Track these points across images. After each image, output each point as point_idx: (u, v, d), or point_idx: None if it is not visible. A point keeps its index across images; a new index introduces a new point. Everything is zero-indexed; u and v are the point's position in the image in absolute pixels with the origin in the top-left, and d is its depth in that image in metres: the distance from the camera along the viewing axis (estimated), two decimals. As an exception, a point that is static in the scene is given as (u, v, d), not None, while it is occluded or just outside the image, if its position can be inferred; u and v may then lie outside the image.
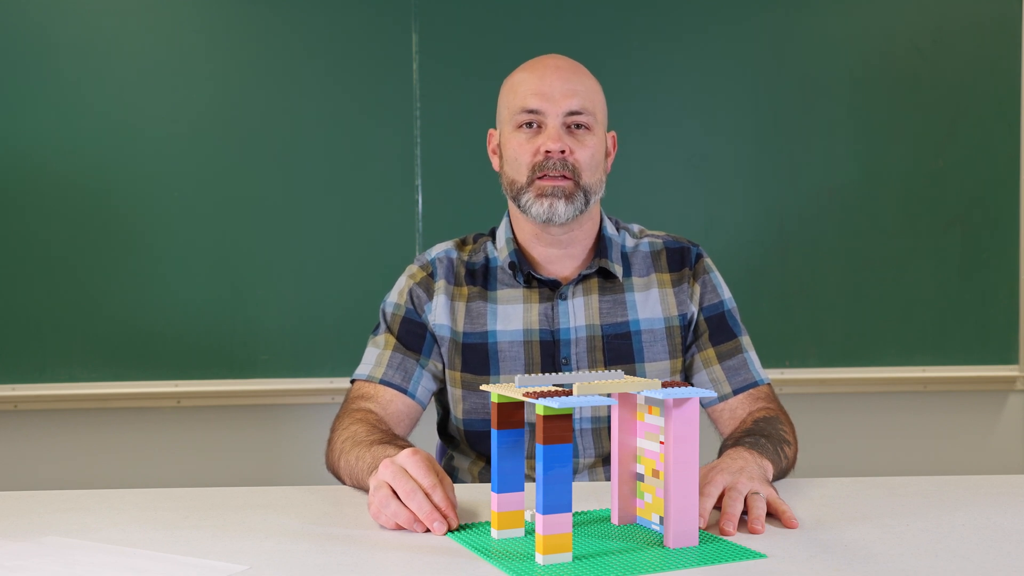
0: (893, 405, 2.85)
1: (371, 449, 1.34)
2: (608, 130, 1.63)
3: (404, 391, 1.56)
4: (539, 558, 1.01)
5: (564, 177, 1.52)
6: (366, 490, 1.28)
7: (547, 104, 1.53)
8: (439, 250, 1.66)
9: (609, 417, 1.57)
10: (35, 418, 2.71)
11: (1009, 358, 2.81)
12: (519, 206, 1.56)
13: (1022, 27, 2.77)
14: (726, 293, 1.65)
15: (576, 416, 1.57)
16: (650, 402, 1.13)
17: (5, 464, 2.72)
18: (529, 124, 1.54)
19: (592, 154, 1.55)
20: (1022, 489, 1.35)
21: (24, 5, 2.63)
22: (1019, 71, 2.78)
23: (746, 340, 1.63)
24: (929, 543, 1.09)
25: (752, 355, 1.62)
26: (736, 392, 1.58)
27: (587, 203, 1.55)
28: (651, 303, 1.61)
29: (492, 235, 1.68)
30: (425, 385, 1.59)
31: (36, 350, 2.66)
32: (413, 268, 1.66)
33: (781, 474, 1.40)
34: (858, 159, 2.78)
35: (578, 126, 1.54)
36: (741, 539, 1.10)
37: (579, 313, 1.59)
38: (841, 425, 2.83)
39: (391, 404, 1.55)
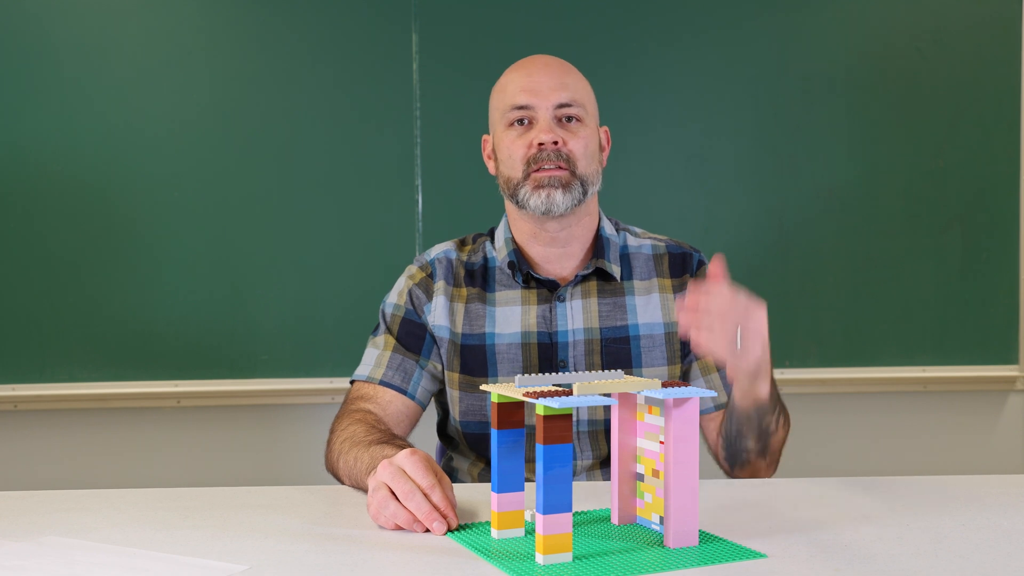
0: (893, 405, 2.85)
1: (369, 449, 1.34)
2: (601, 125, 1.63)
3: (404, 392, 1.56)
4: (539, 558, 1.01)
5: (560, 168, 1.52)
6: (365, 490, 1.28)
7: (536, 99, 1.53)
8: (438, 251, 1.66)
9: (606, 420, 1.57)
10: (35, 418, 2.71)
11: (1009, 358, 2.81)
12: (517, 202, 1.56)
13: (1022, 27, 2.77)
14: None
15: (572, 419, 1.56)
16: (650, 402, 1.13)
17: (5, 464, 2.72)
18: (521, 121, 1.54)
19: (586, 144, 1.54)
20: (1022, 489, 1.35)
21: (24, 5, 2.63)
22: (1019, 71, 2.78)
23: None
24: (929, 543, 1.09)
25: None
26: None
27: (585, 193, 1.54)
28: (652, 308, 1.60)
29: (491, 235, 1.68)
30: (424, 386, 1.59)
31: (36, 350, 2.66)
32: (412, 269, 1.66)
33: (764, 430, 1.44)
34: (858, 159, 2.78)
35: (569, 119, 1.54)
36: (741, 539, 1.10)
37: (577, 316, 1.58)
38: (841, 425, 2.83)
39: (391, 405, 1.55)
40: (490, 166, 1.64)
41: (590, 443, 1.57)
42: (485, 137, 1.65)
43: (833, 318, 2.79)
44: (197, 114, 2.67)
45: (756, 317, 1.25)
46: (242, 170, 2.68)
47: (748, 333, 1.24)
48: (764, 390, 1.36)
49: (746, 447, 1.46)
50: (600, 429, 1.57)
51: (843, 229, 2.77)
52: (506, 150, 1.56)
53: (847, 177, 2.77)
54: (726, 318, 1.23)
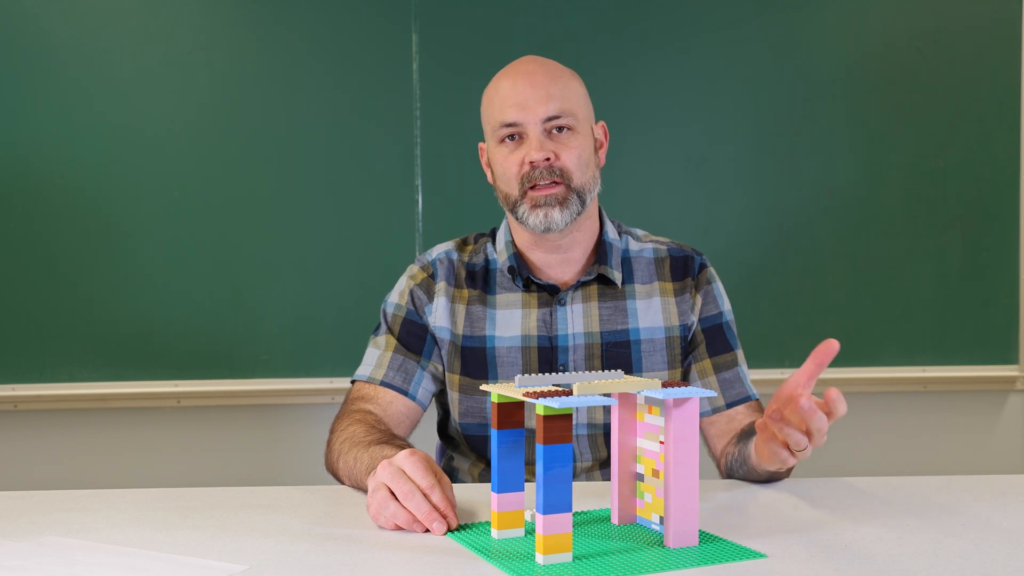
0: (893, 405, 2.85)
1: (369, 449, 1.34)
2: (597, 120, 1.61)
3: (404, 392, 1.56)
4: (539, 558, 1.01)
5: (555, 183, 1.51)
6: (365, 491, 1.29)
7: (524, 114, 1.51)
8: (440, 251, 1.65)
9: (605, 424, 1.56)
10: (35, 418, 2.71)
11: (1009, 358, 2.81)
12: (516, 218, 1.55)
13: (1022, 27, 2.77)
14: (726, 305, 1.63)
15: (572, 426, 1.55)
16: (650, 402, 1.13)
17: (5, 464, 2.72)
18: (511, 137, 1.53)
19: (579, 154, 1.52)
20: (1022, 489, 1.35)
21: (24, 5, 2.63)
22: (1019, 71, 2.78)
23: (740, 354, 1.62)
24: (929, 543, 1.09)
25: (745, 370, 1.61)
26: (730, 405, 1.57)
27: (583, 204, 1.53)
28: (652, 312, 1.59)
29: (492, 235, 1.67)
30: (425, 386, 1.59)
31: (36, 350, 2.66)
32: (414, 269, 1.65)
33: (775, 479, 1.41)
34: (858, 159, 2.78)
35: (559, 129, 1.52)
36: (741, 539, 1.10)
37: (577, 320, 1.58)
38: (841, 425, 2.82)
39: (391, 405, 1.55)
40: (488, 174, 1.63)
41: (589, 446, 1.57)
42: (481, 145, 1.64)
43: (833, 318, 2.79)
44: (197, 114, 2.67)
45: (823, 418, 1.15)
46: (242, 170, 2.68)
47: (817, 436, 1.16)
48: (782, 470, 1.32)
49: (748, 481, 1.44)
50: (599, 432, 1.57)
51: (843, 229, 2.77)
52: (500, 166, 1.55)
53: (847, 177, 2.77)
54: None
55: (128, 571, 1.01)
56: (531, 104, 1.51)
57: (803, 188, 2.77)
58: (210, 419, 2.75)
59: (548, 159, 1.50)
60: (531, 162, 1.50)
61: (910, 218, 2.78)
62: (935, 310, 2.80)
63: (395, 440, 1.39)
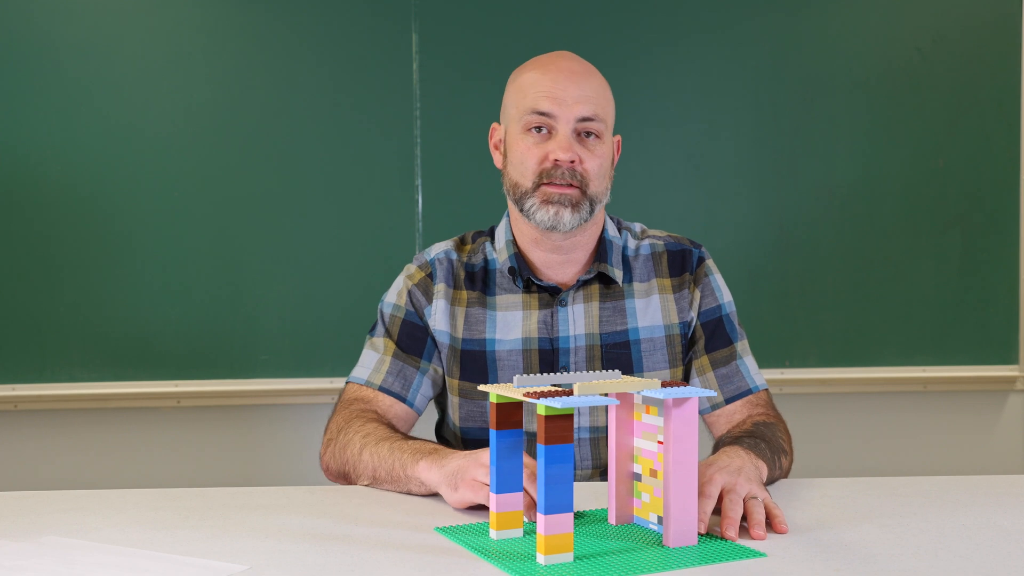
0: (893, 405, 2.85)
1: (408, 442, 1.39)
2: (615, 134, 1.60)
3: (403, 399, 1.55)
4: (540, 558, 1.01)
5: (571, 185, 1.49)
6: (395, 481, 1.35)
7: (559, 108, 1.49)
8: (439, 250, 1.63)
9: (607, 427, 1.55)
10: (35, 418, 2.71)
11: (1009, 358, 2.81)
12: (521, 210, 1.53)
13: (1022, 27, 2.77)
14: (725, 297, 1.61)
15: (573, 426, 1.55)
16: (648, 402, 1.13)
17: (5, 464, 2.72)
18: (539, 128, 1.50)
19: (601, 163, 1.51)
20: (1022, 489, 1.35)
21: (25, 5, 2.63)
22: (1019, 71, 2.78)
23: (742, 345, 1.60)
24: (929, 543, 1.09)
25: (748, 360, 1.59)
26: (729, 401, 1.56)
27: (591, 212, 1.52)
28: (651, 310, 1.58)
29: (491, 234, 1.65)
30: (423, 392, 1.58)
31: (36, 350, 2.66)
32: (412, 268, 1.63)
33: (770, 482, 1.39)
34: (858, 159, 2.78)
35: (588, 134, 1.50)
36: (741, 538, 1.10)
37: (579, 321, 1.56)
38: (841, 425, 2.83)
39: (390, 410, 1.54)
40: (496, 157, 1.60)
41: (590, 451, 1.56)
42: (495, 125, 1.61)
43: (833, 318, 2.79)
44: (197, 114, 2.67)
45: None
46: (242, 170, 2.68)
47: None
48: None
49: None
50: (601, 436, 1.55)
51: (843, 229, 2.77)
52: (519, 155, 1.52)
53: (847, 177, 2.77)
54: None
55: (128, 571, 1.01)
56: (568, 100, 1.49)
57: (803, 188, 2.77)
58: (210, 419, 2.75)
59: (573, 161, 1.49)
60: (556, 160, 1.48)
61: (910, 218, 2.78)
62: (935, 310, 2.80)
63: (428, 443, 1.40)
